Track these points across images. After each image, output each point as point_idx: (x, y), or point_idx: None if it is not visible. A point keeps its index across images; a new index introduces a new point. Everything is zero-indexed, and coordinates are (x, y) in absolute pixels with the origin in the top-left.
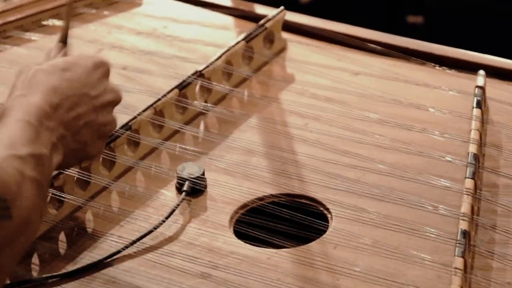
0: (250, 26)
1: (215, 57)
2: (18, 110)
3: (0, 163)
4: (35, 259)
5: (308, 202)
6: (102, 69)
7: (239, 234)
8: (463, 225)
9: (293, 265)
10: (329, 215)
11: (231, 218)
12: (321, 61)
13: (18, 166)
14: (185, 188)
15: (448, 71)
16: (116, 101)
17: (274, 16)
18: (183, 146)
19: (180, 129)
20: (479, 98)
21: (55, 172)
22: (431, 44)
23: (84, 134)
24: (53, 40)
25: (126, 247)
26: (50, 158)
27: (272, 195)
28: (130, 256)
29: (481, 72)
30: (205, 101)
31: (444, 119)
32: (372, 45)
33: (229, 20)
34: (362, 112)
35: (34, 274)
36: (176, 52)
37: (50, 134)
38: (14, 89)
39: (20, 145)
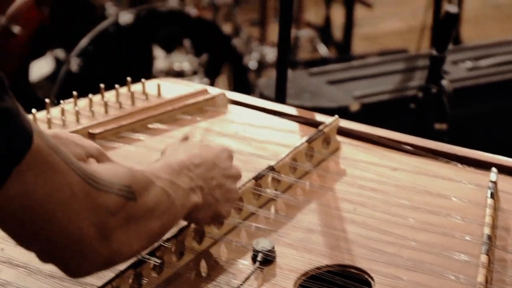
0: (311, 130)
1: (283, 155)
2: (166, 160)
3: (142, 172)
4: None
5: (356, 271)
6: (228, 152)
7: None
8: None
9: None
10: (372, 282)
11: (295, 283)
12: (367, 159)
13: (154, 176)
14: (258, 258)
15: (467, 168)
16: (239, 176)
17: (330, 123)
18: (258, 225)
19: (255, 212)
20: (492, 190)
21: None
22: (454, 146)
23: (217, 192)
24: (156, 140)
25: None
26: (187, 191)
27: (327, 265)
28: None
29: (494, 169)
30: (276, 189)
31: (464, 206)
32: (407, 146)
33: (294, 125)
34: (398, 199)
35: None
36: (253, 150)
37: (190, 181)
38: (163, 153)
39: (161, 173)
